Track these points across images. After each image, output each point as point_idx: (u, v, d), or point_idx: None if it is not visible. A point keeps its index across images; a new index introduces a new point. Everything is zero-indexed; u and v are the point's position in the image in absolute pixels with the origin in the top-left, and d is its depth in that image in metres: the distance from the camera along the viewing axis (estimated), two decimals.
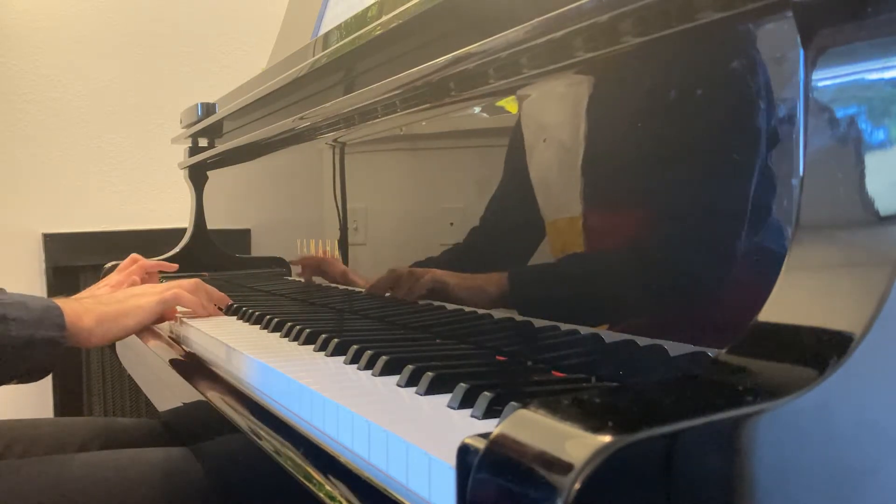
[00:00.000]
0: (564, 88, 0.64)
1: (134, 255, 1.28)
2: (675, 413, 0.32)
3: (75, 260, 2.05)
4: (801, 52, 0.41)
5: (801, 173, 0.40)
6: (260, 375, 0.71)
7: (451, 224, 0.81)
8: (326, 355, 0.74)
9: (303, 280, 1.20)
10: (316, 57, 0.99)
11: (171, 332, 1.08)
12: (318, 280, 1.14)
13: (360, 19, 0.91)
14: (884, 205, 0.37)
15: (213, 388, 0.80)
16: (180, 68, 2.22)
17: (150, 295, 1.00)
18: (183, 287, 1.03)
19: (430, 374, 0.58)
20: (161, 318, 1.05)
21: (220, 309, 1.10)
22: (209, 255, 1.61)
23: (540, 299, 0.67)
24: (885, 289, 0.35)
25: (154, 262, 1.33)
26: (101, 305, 0.95)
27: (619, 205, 0.60)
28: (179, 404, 0.96)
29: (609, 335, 0.58)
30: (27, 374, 0.88)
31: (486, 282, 0.75)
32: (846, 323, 0.35)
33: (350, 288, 1.05)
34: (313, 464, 0.55)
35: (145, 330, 1.13)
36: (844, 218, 0.38)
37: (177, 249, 1.63)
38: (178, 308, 1.06)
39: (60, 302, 0.90)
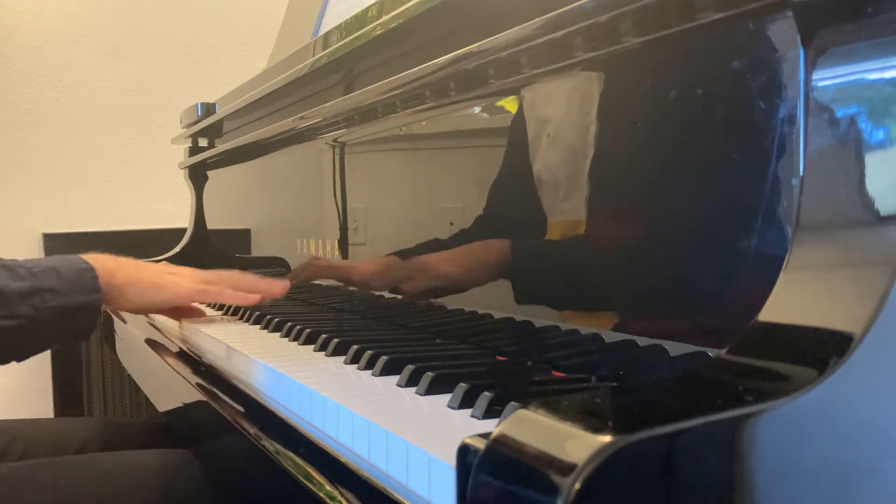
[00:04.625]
0: (564, 88, 0.64)
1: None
2: (675, 413, 0.32)
3: None
4: (801, 52, 0.41)
5: (801, 173, 0.40)
6: (260, 375, 0.71)
7: (451, 224, 0.81)
8: (326, 355, 0.74)
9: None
10: (316, 57, 0.99)
11: (171, 331, 1.08)
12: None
13: (360, 19, 0.91)
14: (884, 205, 0.37)
15: (214, 388, 0.80)
16: (180, 68, 2.22)
17: (191, 280, 0.95)
18: (226, 283, 0.96)
19: (430, 374, 0.58)
20: (186, 310, 1.02)
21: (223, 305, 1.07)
22: (209, 255, 1.61)
23: (541, 299, 0.67)
24: (885, 289, 0.35)
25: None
26: (139, 269, 0.92)
27: (618, 204, 0.60)
28: (179, 404, 0.96)
29: (609, 335, 0.58)
30: (65, 340, 0.86)
31: (486, 251, 0.73)
32: (846, 323, 0.35)
33: (351, 288, 1.04)
34: (313, 464, 0.55)
35: (144, 328, 1.13)
36: (844, 218, 0.38)
37: (177, 249, 1.63)
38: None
39: (92, 259, 0.88)
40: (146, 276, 0.92)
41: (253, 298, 0.97)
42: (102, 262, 0.88)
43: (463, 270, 0.77)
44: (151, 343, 1.09)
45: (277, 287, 1.00)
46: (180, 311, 1.03)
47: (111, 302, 0.90)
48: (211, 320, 1.03)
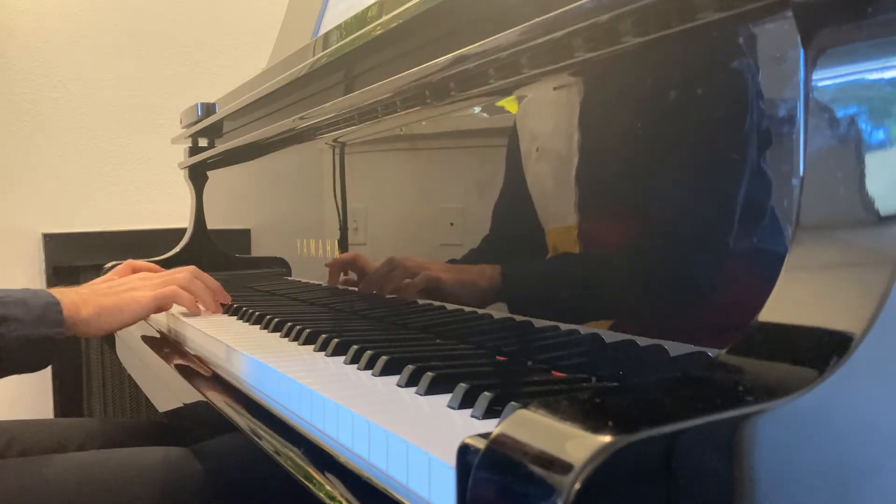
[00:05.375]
0: (564, 88, 0.64)
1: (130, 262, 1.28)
2: (675, 413, 0.32)
3: (75, 260, 2.05)
4: (801, 52, 0.41)
5: (801, 173, 0.40)
6: (260, 375, 0.71)
7: (451, 224, 0.81)
8: (327, 355, 0.74)
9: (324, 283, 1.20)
10: (316, 57, 0.99)
11: (171, 331, 1.08)
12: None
13: (360, 19, 0.91)
14: (884, 205, 0.37)
15: (213, 388, 0.80)
16: (180, 68, 2.22)
17: (146, 289, 1.00)
18: (179, 282, 1.03)
19: (430, 374, 0.58)
20: (158, 310, 1.05)
21: (221, 304, 1.09)
22: (209, 255, 1.61)
23: (542, 300, 0.67)
24: (885, 289, 0.35)
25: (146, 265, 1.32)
26: (99, 297, 0.97)
27: (619, 205, 0.60)
28: (179, 404, 0.96)
29: (609, 335, 0.58)
30: (26, 368, 0.89)
31: (479, 277, 0.76)
32: (846, 323, 0.35)
33: (350, 288, 1.05)
34: (313, 464, 0.55)
35: (143, 327, 1.13)
36: (844, 218, 0.38)
37: (177, 249, 1.63)
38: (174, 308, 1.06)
39: (59, 294, 0.91)
40: (108, 301, 0.97)
41: (208, 306, 1.06)
42: (69, 297, 0.92)
43: (458, 285, 0.80)
44: (150, 342, 1.09)
45: (227, 297, 1.10)
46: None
47: (80, 332, 0.94)
48: (210, 320, 1.03)
